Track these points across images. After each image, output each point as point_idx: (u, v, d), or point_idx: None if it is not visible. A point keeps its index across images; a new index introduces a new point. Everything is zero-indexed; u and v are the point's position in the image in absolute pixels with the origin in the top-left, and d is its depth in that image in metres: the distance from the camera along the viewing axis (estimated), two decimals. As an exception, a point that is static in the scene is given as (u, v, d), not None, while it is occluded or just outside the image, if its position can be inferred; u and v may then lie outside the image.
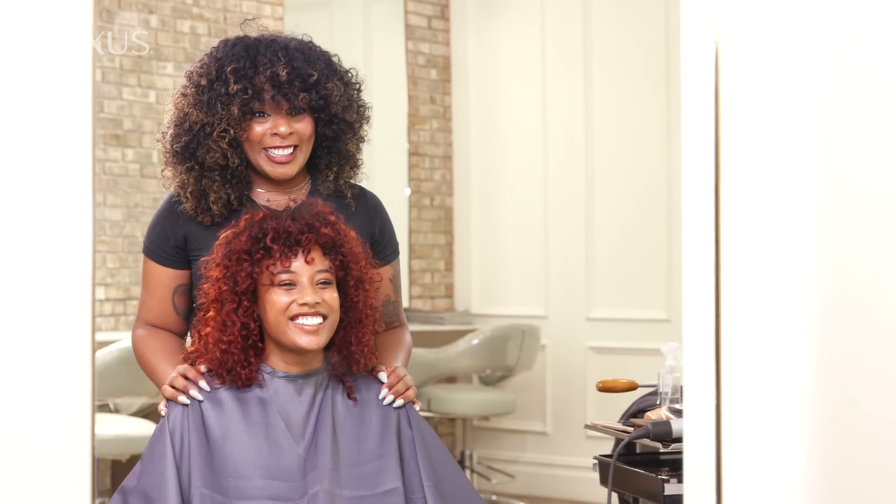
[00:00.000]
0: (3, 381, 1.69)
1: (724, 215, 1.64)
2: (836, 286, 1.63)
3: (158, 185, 5.08)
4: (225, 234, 2.16)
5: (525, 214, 5.74)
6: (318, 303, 2.09)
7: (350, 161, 2.38)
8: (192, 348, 2.19)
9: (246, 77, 2.25)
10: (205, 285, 2.16)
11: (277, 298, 2.09)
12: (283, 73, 2.25)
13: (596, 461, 2.47)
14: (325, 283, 2.12)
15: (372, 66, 5.70)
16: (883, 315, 1.61)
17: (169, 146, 2.34)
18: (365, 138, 2.41)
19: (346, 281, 2.15)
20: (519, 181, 5.77)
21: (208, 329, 2.13)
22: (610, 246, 5.44)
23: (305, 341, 2.09)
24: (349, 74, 2.37)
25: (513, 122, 5.80)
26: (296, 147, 2.29)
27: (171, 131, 2.33)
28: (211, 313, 2.13)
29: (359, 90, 2.38)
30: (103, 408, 4.29)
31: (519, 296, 5.76)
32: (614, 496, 2.37)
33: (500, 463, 5.64)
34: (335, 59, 2.36)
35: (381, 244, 2.42)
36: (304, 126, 2.29)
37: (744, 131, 1.65)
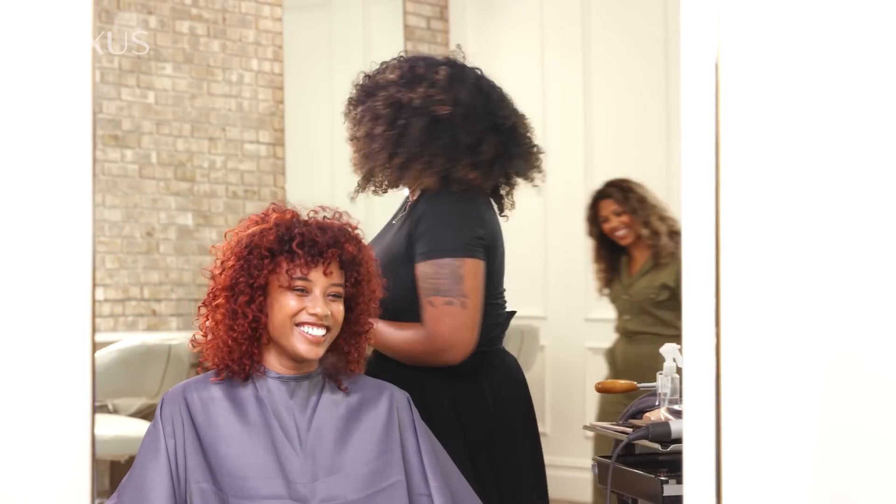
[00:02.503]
0: (3, 382, 1.69)
1: (723, 215, 1.64)
2: (837, 284, 1.63)
3: (157, 185, 5.08)
4: (248, 227, 2.15)
5: (524, 215, 5.72)
6: (326, 315, 2.10)
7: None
8: (202, 334, 2.17)
9: None
10: (214, 269, 2.16)
11: (288, 302, 2.10)
12: None
13: (595, 462, 2.47)
14: (336, 296, 2.13)
15: (371, 66, 5.70)
16: (885, 313, 1.61)
17: None
18: None
19: (357, 297, 2.17)
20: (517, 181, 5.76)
21: (218, 316, 2.13)
22: (609, 247, 5.44)
23: (305, 350, 2.10)
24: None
25: (512, 123, 5.80)
26: None
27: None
28: (220, 300, 2.12)
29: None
30: (102, 408, 4.29)
31: (518, 296, 5.74)
32: (613, 497, 2.37)
33: (499, 464, 5.64)
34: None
35: (413, 239, 2.41)
36: None
37: (744, 134, 1.65)
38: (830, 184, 1.63)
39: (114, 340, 4.22)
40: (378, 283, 2.21)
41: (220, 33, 5.22)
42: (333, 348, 2.17)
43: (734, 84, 1.65)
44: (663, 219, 4.38)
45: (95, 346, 1.75)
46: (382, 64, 2.57)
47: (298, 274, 2.10)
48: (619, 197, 4.40)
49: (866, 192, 1.62)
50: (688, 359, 1.67)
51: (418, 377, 2.41)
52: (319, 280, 2.11)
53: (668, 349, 2.40)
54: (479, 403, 2.47)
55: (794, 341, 1.63)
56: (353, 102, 2.55)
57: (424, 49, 5.93)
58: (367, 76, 2.57)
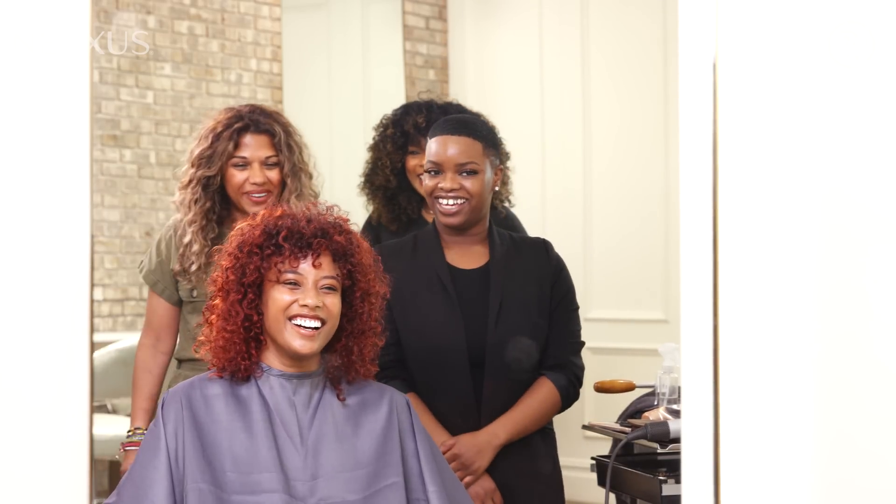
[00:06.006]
0: (1, 382, 1.69)
1: (721, 216, 1.65)
2: (835, 285, 1.63)
3: (156, 185, 5.07)
4: (240, 226, 2.18)
5: (522, 215, 5.73)
6: (318, 306, 2.10)
7: None
8: (202, 336, 2.20)
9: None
10: (214, 273, 2.18)
11: (280, 296, 2.10)
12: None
13: (594, 462, 2.47)
14: (330, 288, 2.13)
15: (370, 66, 5.70)
16: (882, 313, 1.61)
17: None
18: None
19: (353, 291, 2.16)
20: (516, 181, 5.75)
21: (213, 317, 2.15)
22: (607, 246, 5.44)
23: (299, 345, 2.10)
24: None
25: (510, 123, 5.79)
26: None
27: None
28: (217, 301, 2.14)
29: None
30: (101, 408, 4.29)
31: (516, 296, 5.75)
32: (612, 497, 2.37)
33: (498, 463, 5.63)
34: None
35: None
36: None
37: (742, 134, 1.65)
38: (828, 183, 1.63)
39: (112, 340, 4.23)
40: (376, 279, 2.20)
41: (219, 33, 5.22)
42: (340, 350, 2.17)
43: (732, 84, 1.65)
44: None
45: (94, 346, 1.75)
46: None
47: (287, 267, 2.10)
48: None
49: (864, 191, 1.62)
50: (686, 358, 1.68)
51: None
52: (310, 272, 2.11)
53: (666, 349, 2.41)
54: None
55: (793, 341, 1.63)
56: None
57: (423, 49, 5.93)
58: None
